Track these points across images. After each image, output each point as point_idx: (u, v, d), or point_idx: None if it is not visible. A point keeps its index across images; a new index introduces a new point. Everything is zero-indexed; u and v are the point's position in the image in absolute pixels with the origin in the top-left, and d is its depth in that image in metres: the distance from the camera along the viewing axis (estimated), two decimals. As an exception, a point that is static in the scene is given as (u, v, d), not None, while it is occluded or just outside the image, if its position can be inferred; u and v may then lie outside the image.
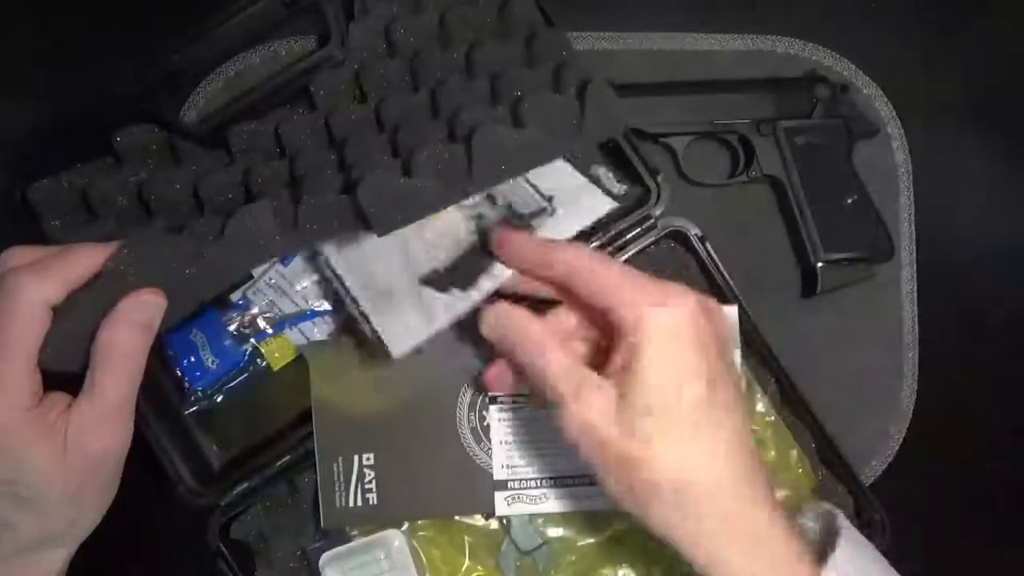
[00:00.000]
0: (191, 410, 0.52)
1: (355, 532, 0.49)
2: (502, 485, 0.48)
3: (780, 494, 0.50)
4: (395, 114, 0.48)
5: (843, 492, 0.51)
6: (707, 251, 0.50)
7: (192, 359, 0.50)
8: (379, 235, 0.42)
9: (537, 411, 0.48)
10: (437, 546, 0.48)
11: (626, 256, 0.50)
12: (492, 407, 0.48)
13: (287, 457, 0.49)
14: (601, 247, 0.49)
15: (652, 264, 0.52)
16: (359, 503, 0.48)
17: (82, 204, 0.48)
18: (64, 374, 0.39)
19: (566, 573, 0.48)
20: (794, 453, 0.50)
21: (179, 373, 0.51)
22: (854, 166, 0.56)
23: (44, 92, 0.55)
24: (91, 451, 0.39)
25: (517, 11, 0.49)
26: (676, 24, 0.58)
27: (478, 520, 0.49)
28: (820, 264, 0.55)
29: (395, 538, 0.48)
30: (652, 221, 0.50)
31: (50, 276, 0.39)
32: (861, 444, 0.56)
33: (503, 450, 0.48)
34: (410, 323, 0.44)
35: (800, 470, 0.50)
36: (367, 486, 0.48)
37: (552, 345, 0.39)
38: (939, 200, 0.59)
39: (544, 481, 0.48)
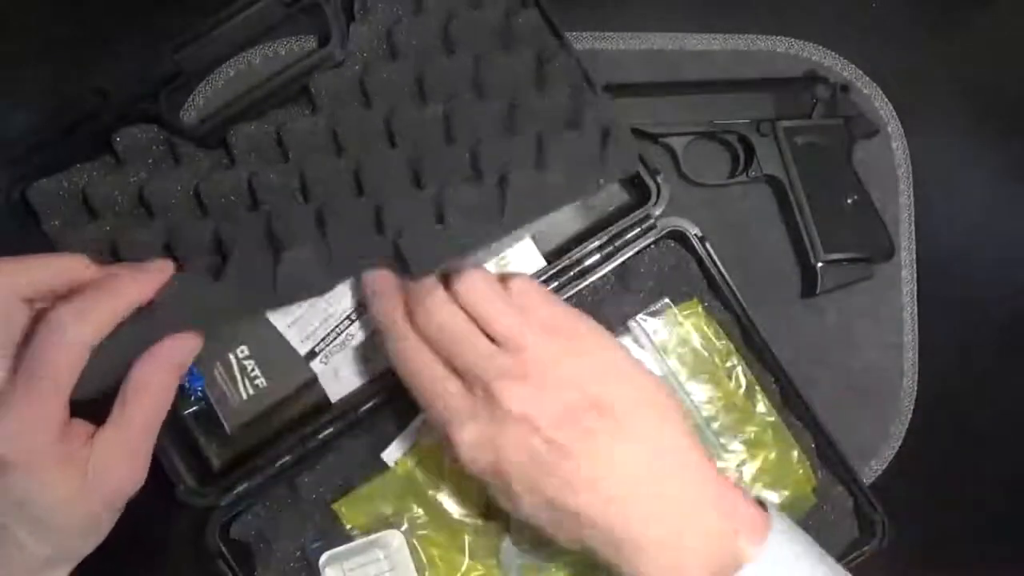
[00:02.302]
0: (191, 410, 0.52)
1: (355, 532, 0.49)
2: (311, 356, 0.49)
3: (780, 494, 0.50)
4: (407, 129, 0.48)
5: (843, 492, 0.51)
6: (707, 251, 0.50)
7: (192, 359, 0.51)
8: (414, 277, 0.44)
9: None
10: (437, 545, 0.48)
11: (626, 256, 0.50)
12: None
13: (287, 457, 0.49)
14: (601, 247, 0.49)
15: (652, 264, 0.52)
16: (251, 392, 0.49)
17: (82, 204, 0.48)
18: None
19: (567, 571, 0.48)
20: (795, 453, 0.50)
21: (179, 373, 0.51)
22: (854, 166, 0.56)
23: (44, 92, 0.55)
24: (110, 482, 0.39)
25: (525, 21, 0.49)
26: (676, 24, 0.58)
27: (478, 519, 0.49)
28: (820, 264, 0.55)
29: (395, 538, 0.48)
30: (652, 221, 0.50)
31: (92, 318, 0.38)
32: (861, 444, 0.56)
33: (294, 330, 0.49)
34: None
35: (800, 471, 0.50)
36: (252, 375, 0.49)
37: None
38: (939, 200, 0.59)
39: (343, 324, 0.49)
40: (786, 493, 0.50)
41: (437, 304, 0.40)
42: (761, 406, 0.50)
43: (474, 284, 0.40)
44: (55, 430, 0.38)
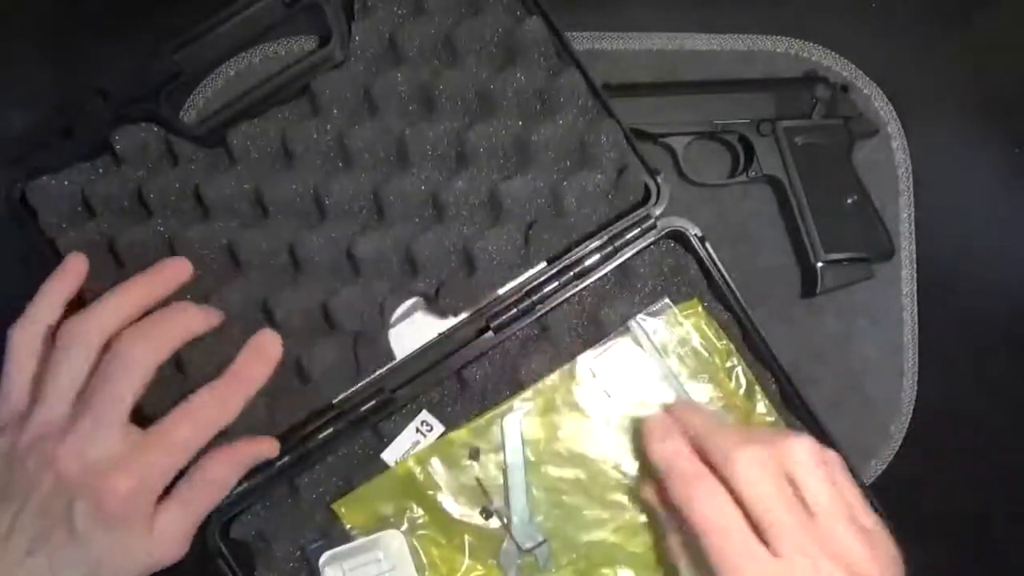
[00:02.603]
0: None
1: (355, 532, 0.49)
2: None
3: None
4: (416, 144, 0.49)
5: (843, 492, 0.51)
6: (707, 251, 0.50)
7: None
8: (454, 316, 0.49)
9: None
10: (437, 545, 0.48)
11: (626, 256, 0.50)
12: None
13: (287, 457, 0.49)
14: (601, 247, 0.49)
15: (652, 264, 0.52)
16: None
17: (81, 203, 0.48)
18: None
19: (567, 571, 0.48)
20: (794, 453, 0.50)
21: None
22: (854, 166, 0.56)
23: (44, 92, 0.55)
24: (159, 552, 0.41)
25: (529, 31, 0.49)
26: (676, 24, 0.58)
27: (478, 519, 0.49)
28: (820, 264, 0.55)
29: (395, 538, 0.48)
30: (652, 221, 0.50)
31: (217, 414, 0.42)
32: (861, 444, 0.56)
33: None
34: None
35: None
36: None
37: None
38: (939, 200, 0.59)
39: None
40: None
41: (761, 466, 0.40)
42: (761, 406, 0.50)
43: (803, 455, 0.40)
44: (158, 493, 0.40)
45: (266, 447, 0.45)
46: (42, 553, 0.38)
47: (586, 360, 0.49)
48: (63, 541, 0.38)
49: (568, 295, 0.50)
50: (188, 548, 0.42)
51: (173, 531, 0.41)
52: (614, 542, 0.49)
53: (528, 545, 0.48)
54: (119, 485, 0.39)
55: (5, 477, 0.39)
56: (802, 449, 0.40)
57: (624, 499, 0.49)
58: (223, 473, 0.43)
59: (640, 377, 0.49)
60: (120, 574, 0.40)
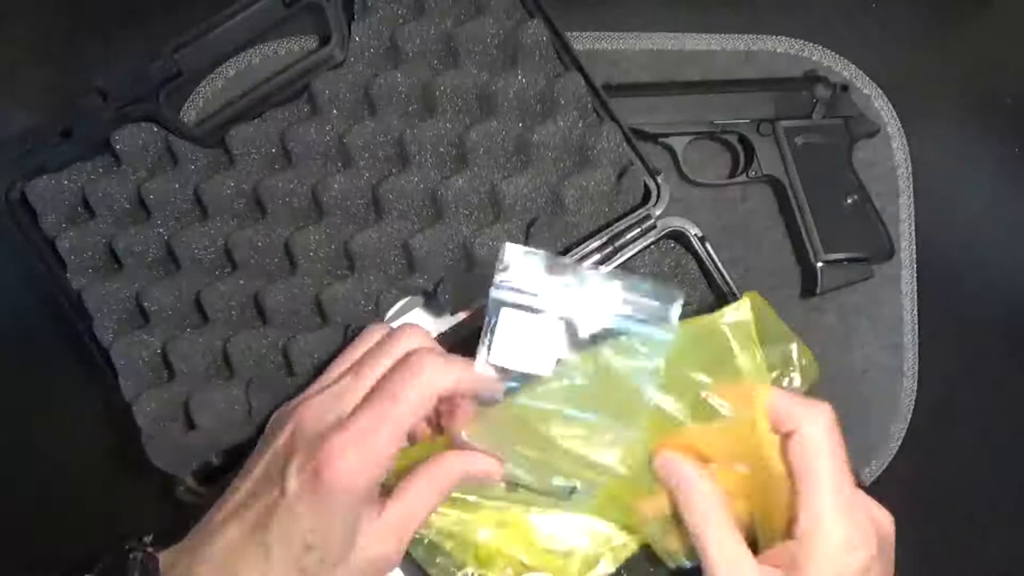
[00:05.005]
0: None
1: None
2: None
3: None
4: (416, 144, 0.49)
5: (843, 492, 0.51)
6: (707, 251, 0.50)
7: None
8: (452, 314, 0.48)
9: None
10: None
11: (626, 256, 0.50)
12: None
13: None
14: (601, 247, 0.49)
15: (652, 264, 0.52)
16: None
17: (81, 203, 0.48)
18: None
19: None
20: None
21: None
22: (854, 166, 0.56)
23: (44, 92, 0.55)
24: (372, 553, 0.37)
25: (531, 33, 0.49)
26: (676, 24, 0.58)
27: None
28: (820, 264, 0.55)
29: None
30: (652, 221, 0.50)
31: (452, 371, 0.38)
32: (861, 444, 0.56)
33: None
34: None
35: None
36: None
37: (718, 520, 0.38)
38: (939, 200, 0.59)
39: None
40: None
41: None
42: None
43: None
44: (384, 471, 0.37)
45: (490, 466, 0.40)
46: (252, 511, 0.36)
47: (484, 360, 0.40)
48: (273, 502, 0.36)
49: (568, 295, 0.50)
50: (402, 557, 0.38)
51: (393, 527, 0.37)
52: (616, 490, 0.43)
53: (564, 492, 0.45)
54: (345, 456, 0.35)
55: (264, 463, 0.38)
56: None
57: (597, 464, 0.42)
58: (442, 477, 0.39)
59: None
60: (328, 563, 0.36)
